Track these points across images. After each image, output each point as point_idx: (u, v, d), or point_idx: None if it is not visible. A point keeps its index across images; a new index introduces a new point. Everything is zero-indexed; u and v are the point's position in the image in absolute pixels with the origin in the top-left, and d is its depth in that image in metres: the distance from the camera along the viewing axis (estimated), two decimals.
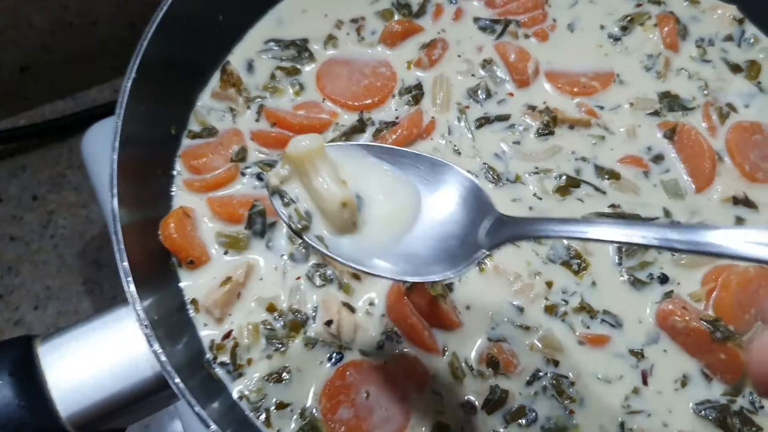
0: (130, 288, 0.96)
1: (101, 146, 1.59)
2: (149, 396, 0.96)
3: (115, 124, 1.07)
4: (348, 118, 1.27)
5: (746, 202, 1.21)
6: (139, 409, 0.97)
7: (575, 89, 1.31)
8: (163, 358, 0.92)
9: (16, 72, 1.91)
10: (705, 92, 1.32)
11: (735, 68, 1.35)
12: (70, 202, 1.94)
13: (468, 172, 1.18)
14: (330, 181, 0.87)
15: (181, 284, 1.14)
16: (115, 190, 1.02)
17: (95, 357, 0.96)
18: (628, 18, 1.38)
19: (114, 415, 0.95)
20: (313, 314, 1.11)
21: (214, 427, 0.89)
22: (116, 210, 1.00)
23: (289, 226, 0.89)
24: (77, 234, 1.90)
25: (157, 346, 0.93)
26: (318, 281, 1.14)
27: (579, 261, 1.15)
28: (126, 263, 0.97)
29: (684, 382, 1.09)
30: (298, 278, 1.13)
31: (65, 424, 0.92)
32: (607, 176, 1.23)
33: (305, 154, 0.87)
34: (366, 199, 0.89)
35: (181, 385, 0.91)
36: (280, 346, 1.10)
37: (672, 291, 1.14)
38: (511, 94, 1.29)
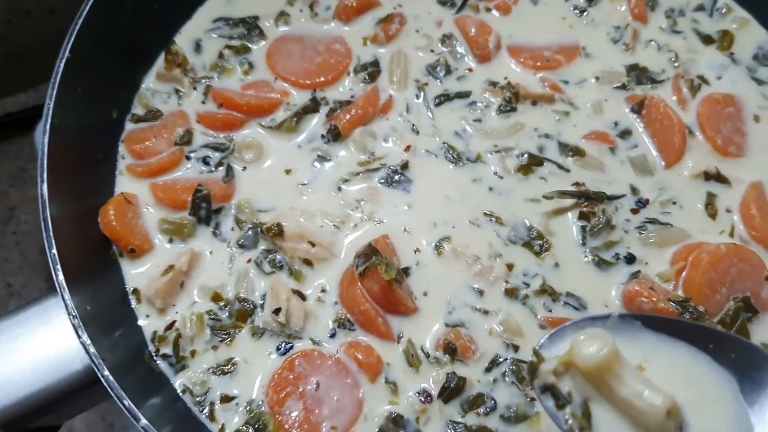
0: (59, 277, 0.91)
1: None
2: (79, 391, 0.90)
3: (46, 107, 1.01)
4: (300, 97, 1.21)
5: (718, 177, 1.16)
6: (70, 404, 0.92)
7: (538, 63, 1.25)
8: (92, 349, 0.87)
9: None
10: (675, 64, 1.26)
11: (707, 39, 1.30)
12: (32, 197, 1.85)
13: (426, 151, 1.15)
14: (643, 388, 0.71)
15: (123, 274, 1.08)
16: (45, 175, 0.97)
17: (21, 351, 0.90)
18: None
19: (42, 411, 0.89)
20: (261, 303, 1.06)
21: (144, 421, 0.83)
22: (45, 195, 0.95)
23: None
24: (39, 230, 1.83)
25: (85, 337, 0.87)
26: (267, 267, 1.08)
27: (541, 242, 1.10)
28: (54, 251, 0.92)
29: None
30: (249, 260, 1.08)
31: None
32: (571, 153, 1.17)
33: (602, 364, 0.72)
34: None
35: (110, 378, 0.85)
36: (225, 336, 1.04)
37: (639, 271, 1.08)
38: (471, 70, 1.24)
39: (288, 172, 1.15)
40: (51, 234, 0.93)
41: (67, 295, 0.90)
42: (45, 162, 0.98)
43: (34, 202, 1.81)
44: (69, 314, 0.89)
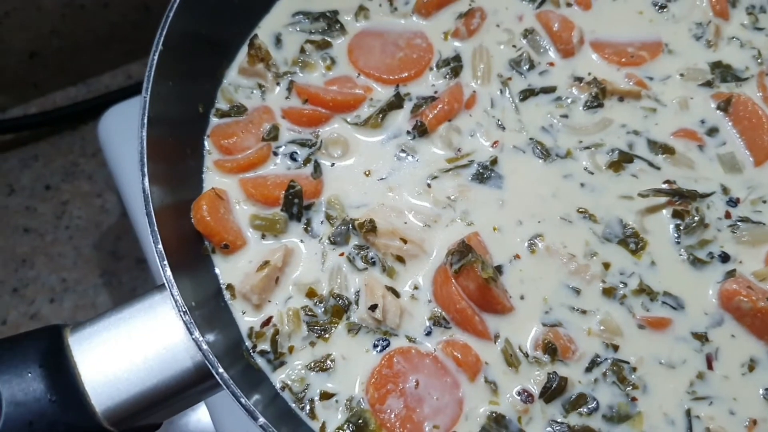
0: (167, 273, 0.89)
1: (119, 130, 1.53)
2: (189, 389, 0.89)
3: (143, 100, 1.00)
4: (383, 93, 1.20)
5: None
6: (177, 402, 0.91)
7: (623, 59, 1.24)
8: (205, 346, 0.86)
9: (25, 58, 1.84)
10: (759, 61, 1.25)
11: None
12: (84, 192, 1.87)
13: (514, 147, 1.13)
14: None
15: (216, 270, 1.07)
16: (145, 170, 0.95)
17: (129, 348, 0.89)
18: None
19: (151, 409, 0.88)
20: (356, 299, 1.05)
21: (262, 420, 0.82)
22: (148, 189, 0.94)
23: None
24: (93, 224, 1.83)
25: (197, 334, 0.86)
26: (360, 264, 1.07)
27: (636, 240, 1.09)
28: (161, 246, 0.90)
29: (752, 366, 1.02)
30: (342, 254, 1.07)
31: (100, 420, 0.85)
32: (660, 151, 1.16)
33: None
34: None
35: (225, 376, 0.84)
36: (322, 332, 1.03)
37: (734, 270, 1.07)
38: (553, 64, 1.22)
39: (375, 168, 1.14)
40: (156, 229, 0.92)
41: (175, 291, 0.89)
42: (145, 156, 0.97)
43: (87, 196, 1.84)
44: (179, 311, 0.88)
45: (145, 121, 0.99)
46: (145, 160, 0.96)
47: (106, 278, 1.77)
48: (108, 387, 0.87)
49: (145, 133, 0.98)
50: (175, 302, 0.87)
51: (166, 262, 0.90)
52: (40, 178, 1.86)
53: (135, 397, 0.87)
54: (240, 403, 0.83)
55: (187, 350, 0.89)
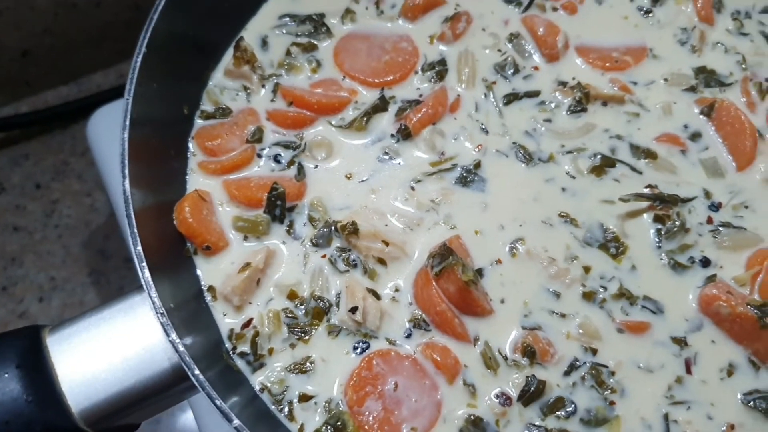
0: (145, 274, 0.89)
1: (108, 130, 1.53)
2: (166, 390, 0.90)
3: (126, 102, 1.01)
4: (368, 96, 1.21)
5: None
6: (155, 403, 0.91)
7: (607, 64, 1.24)
8: (182, 348, 0.86)
9: (18, 56, 1.84)
10: (743, 67, 1.26)
11: None
12: (74, 191, 1.87)
13: (497, 151, 1.14)
14: None
15: (198, 271, 1.07)
16: (126, 171, 0.96)
17: (107, 348, 0.90)
18: None
19: (128, 410, 0.89)
20: (337, 301, 1.05)
21: (237, 422, 0.82)
22: (128, 191, 0.94)
23: None
24: (82, 223, 1.84)
25: (174, 336, 0.87)
26: (341, 266, 1.08)
27: (617, 244, 1.09)
28: (140, 248, 0.91)
29: (730, 371, 1.03)
30: (324, 256, 1.08)
31: (77, 420, 0.86)
32: (643, 155, 1.16)
33: None
34: None
35: (201, 377, 0.85)
36: (302, 334, 1.04)
37: (715, 275, 1.08)
38: (537, 68, 1.23)
39: (358, 171, 1.15)
40: (135, 231, 0.92)
41: (153, 293, 0.89)
42: (126, 158, 0.97)
43: (77, 195, 1.84)
44: (156, 312, 0.88)
45: (127, 123, 0.99)
46: (126, 161, 0.97)
47: (94, 277, 1.77)
48: (85, 387, 0.87)
49: (126, 135, 0.99)
50: (153, 304, 0.88)
51: (144, 264, 0.90)
52: (30, 177, 1.87)
53: (112, 398, 0.88)
54: (215, 404, 0.83)
55: (165, 351, 0.90)
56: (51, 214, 1.84)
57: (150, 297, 0.88)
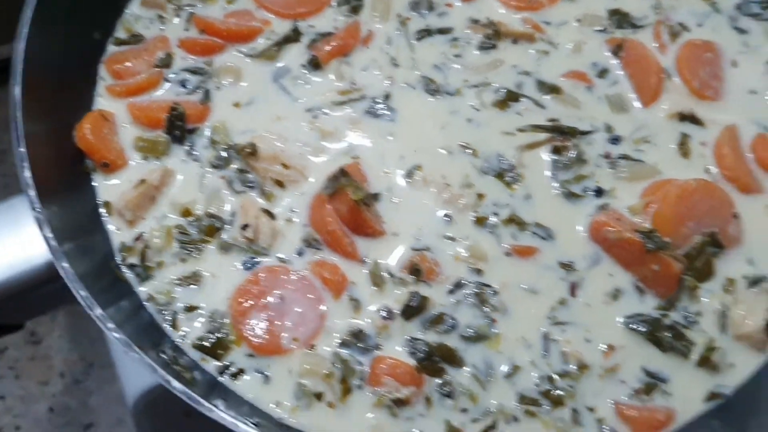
0: (25, 173, 0.91)
1: None
2: (40, 286, 0.91)
3: (23, 16, 1.02)
4: (282, 27, 1.22)
5: (693, 119, 1.16)
6: (32, 301, 0.92)
7: (521, 4, 1.25)
8: (53, 242, 0.88)
9: None
10: (657, 11, 1.26)
11: None
12: None
13: (406, 83, 1.15)
14: None
15: (96, 188, 1.09)
16: (18, 78, 0.98)
17: None
18: None
19: (3, 304, 0.90)
20: (230, 219, 1.07)
21: (99, 311, 0.84)
22: (17, 97, 0.96)
23: None
24: None
25: (47, 231, 0.88)
26: (238, 186, 1.09)
27: (513, 174, 1.10)
28: (23, 149, 0.92)
29: (616, 295, 1.04)
30: (222, 177, 1.09)
31: None
32: (548, 90, 1.17)
33: None
34: None
35: (69, 269, 0.86)
36: (193, 250, 1.05)
37: (607, 204, 1.09)
38: (450, 5, 1.24)
39: (265, 97, 1.16)
40: (20, 133, 0.94)
41: (32, 192, 0.91)
42: (19, 68, 0.99)
43: None
44: (33, 208, 0.90)
45: (24, 34, 1.00)
46: (19, 71, 0.98)
47: None
48: None
49: (22, 47, 1.00)
50: (29, 199, 0.89)
51: (26, 164, 0.92)
52: None
53: None
54: (79, 295, 0.85)
55: (42, 251, 0.91)
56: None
57: (27, 195, 0.90)
